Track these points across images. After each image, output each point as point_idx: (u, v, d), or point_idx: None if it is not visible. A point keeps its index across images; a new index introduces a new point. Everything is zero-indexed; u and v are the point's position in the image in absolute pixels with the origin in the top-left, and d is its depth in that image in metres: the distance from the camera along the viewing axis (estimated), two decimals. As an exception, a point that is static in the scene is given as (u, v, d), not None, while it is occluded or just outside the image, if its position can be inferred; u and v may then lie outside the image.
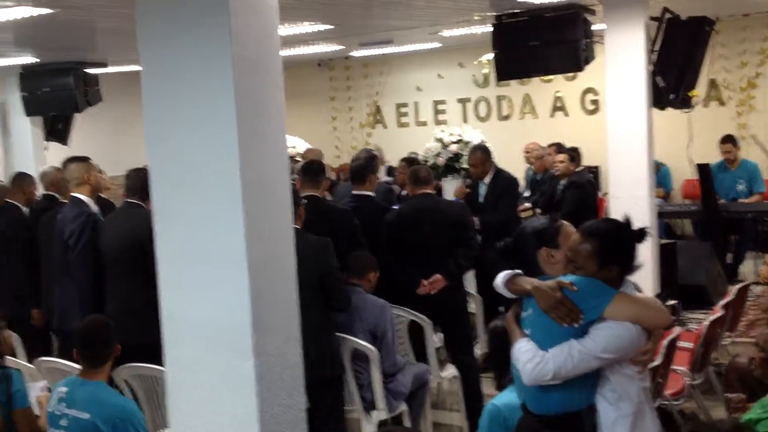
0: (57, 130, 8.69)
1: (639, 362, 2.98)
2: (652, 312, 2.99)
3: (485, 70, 11.40)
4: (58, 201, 6.22)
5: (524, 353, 2.96)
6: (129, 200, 5.12)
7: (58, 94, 8.03)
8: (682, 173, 10.11)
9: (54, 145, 8.76)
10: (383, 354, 4.84)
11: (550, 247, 3.15)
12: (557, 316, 2.92)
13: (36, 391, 4.01)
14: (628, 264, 3.02)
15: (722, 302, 5.46)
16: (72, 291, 5.16)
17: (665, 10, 6.52)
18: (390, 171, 9.68)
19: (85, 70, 8.07)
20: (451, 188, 8.04)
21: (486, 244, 5.67)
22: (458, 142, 8.78)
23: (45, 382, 4.19)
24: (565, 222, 3.23)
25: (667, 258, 6.97)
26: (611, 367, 2.95)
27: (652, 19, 6.56)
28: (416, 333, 5.38)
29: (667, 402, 4.64)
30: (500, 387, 3.61)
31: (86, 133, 9.80)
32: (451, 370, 5.58)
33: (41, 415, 3.84)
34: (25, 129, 8.69)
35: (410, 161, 7.95)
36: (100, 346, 3.71)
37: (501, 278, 3.15)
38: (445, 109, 12.48)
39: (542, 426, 3.02)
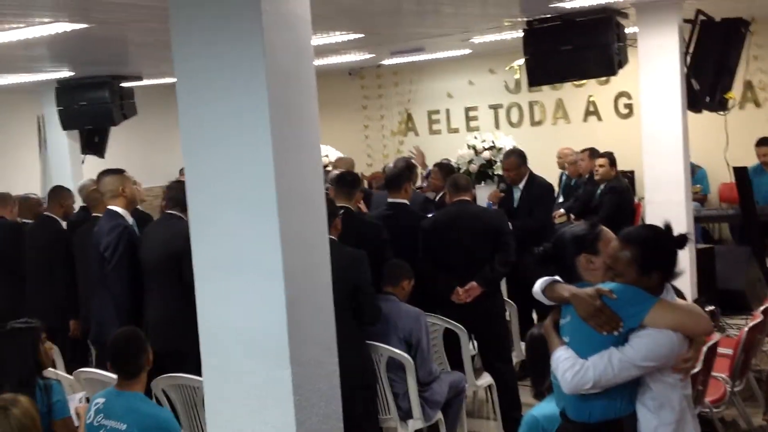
0: (93, 143, 8.80)
1: (681, 370, 2.94)
2: (693, 319, 2.95)
3: (517, 76, 11.35)
4: (90, 214, 6.29)
5: (563, 362, 2.94)
6: (169, 212, 5.18)
7: (94, 108, 8.12)
8: (719, 176, 9.97)
9: (90, 158, 8.88)
10: (418, 362, 4.83)
11: (589, 253, 3.11)
12: (596, 324, 2.89)
13: (74, 402, 4.05)
14: (669, 271, 2.98)
15: (762, 307, 5.37)
16: (109, 303, 5.21)
17: (699, 12, 6.45)
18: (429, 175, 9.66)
19: (120, 83, 8.16)
20: (484, 195, 8.01)
21: (520, 250, 5.63)
22: (491, 148, 8.76)
23: (83, 393, 4.24)
24: (605, 228, 3.19)
25: (705, 263, 6.88)
26: (652, 375, 2.92)
27: (686, 21, 6.49)
28: (451, 341, 5.36)
29: (707, 409, 4.57)
30: (537, 395, 3.58)
31: (121, 146, 9.93)
32: (486, 379, 5.55)
33: (80, 426, 3.88)
34: (62, 142, 8.82)
35: (443, 167, 7.94)
36: (131, 358, 3.74)
37: (539, 285, 3.13)
38: (476, 116, 12.45)
39: None
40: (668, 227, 2.99)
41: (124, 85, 8.24)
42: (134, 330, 3.94)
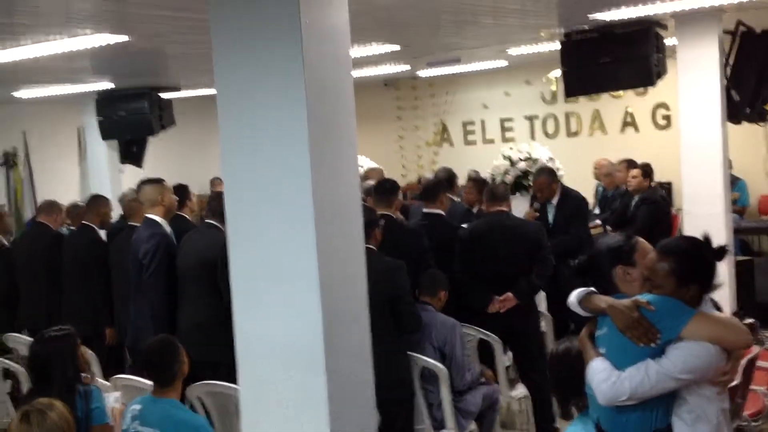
0: (132, 153, 8.90)
1: (718, 383, 2.91)
2: (731, 332, 2.91)
3: (553, 87, 11.31)
4: (127, 223, 6.36)
5: (600, 373, 2.91)
6: (208, 221, 5.23)
7: (133, 118, 8.22)
8: (759, 188, 9.84)
9: (129, 168, 8.99)
10: (453, 372, 4.82)
11: (626, 264, 3.09)
12: (634, 336, 2.86)
13: (110, 402, 4.10)
14: (708, 283, 2.95)
15: (803, 321, 5.28)
16: (145, 310, 5.27)
17: (739, 23, 6.39)
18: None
19: (158, 94, 8.26)
20: (519, 206, 7.96)
21: (558, 262, 5.60)
22: (527, 159, 8.71)
23: (119, 394, 4.29)
24: (641, 239, 3.17)
25: (744, 275, 6.78)
26: (689, 388, 2.89)
27: (726, 32, 6.42)
28: (486, 352, 5.34)
29: (746, 423, 4.50)
30: (565, 415, 3.55)
31: (159, 156, 10.04)
32: (521, 390, 5.51)
33: (115, 426, 3.93)
34: (101, 152, 8.94)
35: (477, 180, 7.92)
36: (166, 366, 3.78)
37: (575, 296, 3.11)
38: (512, 127, 12.41)
39: None
40: (707, 239, 2.96)
41: (163, 95, 8.34)
42: (169, 338, 3.98)
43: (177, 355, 3.82)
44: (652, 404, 2.88)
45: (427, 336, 4.80)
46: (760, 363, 4.69)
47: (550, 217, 6.70)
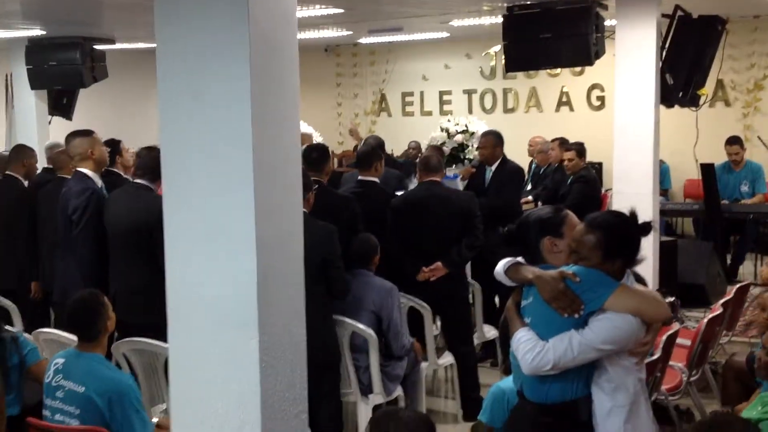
0: (61, 105, 8.66)
1: (637, 354, 3.01)
2: (652, 305, 3.01)
3: (492, 62, 11.39)
4: (56, 175, 6.19)
5: (524, 342, 2.98)
6: (138, 181, 5.07)
7: (64, 69, 7.97)
8: (686, 172, 10.12)
9: (57, 120, 8.74)
10: (391, 337, 4.85)
11: (554, 236, 3.15)
12: (559, 307, 2.93)
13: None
14: (632, 257, 3.04)
15: (721, 301, 5.47)
16: (74, 266, 5.15)
17: (677, 7, 6.50)
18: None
19: (92, 45, 8.03)
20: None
21: (487, 231, 5.67)
22: (464, 132, 8.78)
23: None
24: (570, 212, 3.23)
25: (667, 255, 6.97)
26: (609, 358, 2.98)
27: (664, 16, 6.53)
28: (415, 320, 5.39)
29: (663, 397, 4.66)
30: (507, 370, 3.64)
31: (90, 109, 9.78)
32: (448, 358, 5.59)
33: None
34: (30, 102, 8.65)
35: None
36: (90, 321, 3.70)
37: (502, 266, 3.16)
38: (450, 100, 12.47)
39: (538, 413, 3.05)
40: (633, 214, 3.04)
41: (97, 47, 8.10)
42: (94, 293, 3.88)
43: (102, 310, 3.73)
44: (573, 374, 2.97)
45: (363, 300, 4.82)
46: (679, 340, 4.84)
47: (487, 179, 6.79)
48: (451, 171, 8.20)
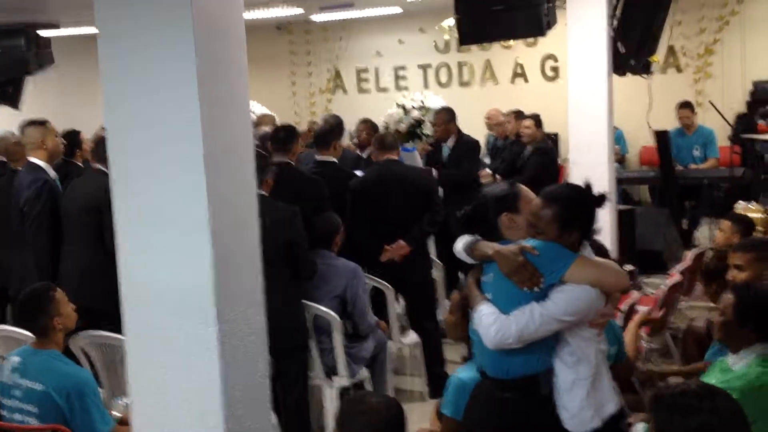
0: (7, 94, 8.42)
1: (597, 324, 3.02)
2: (610, 275, 3.03)
3: (446, 36, 11.34)
4: (9, 167, 6.05)
5: (486, 317, 2.98)
6: (96, 166, 4.98)
7: (7, 56, 7.78)
8: (641, 139, 10.21)
9: (4, 109, 8.53)
10: (357, 317, 4.83)
11: (511, 212, 3.15)
12: (519, 281, 2.94)
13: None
14: (588, 228, 3.06)
15: (679, 267, 5.53)
16: (29, 259, 5.06)
17: (627, -25, 6.50)
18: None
19: (36, 31, 7.83)
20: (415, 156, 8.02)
21: (447, 208, 5.67)
22: (420, 108, 8.75)
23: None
24: (523, 187, 3.24)
25: (625, 224, 7.05)
26: (570, 330, 2.99)
27: (614, -17, 6.54)
28: (378, 299, 5.38)
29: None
30: (466, 358, 3.64)
31: (38, 97, 9.55)
32: (412, 336, 5.60)
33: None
34: (-26, 92, 8.42)
35: (371, 122, 7.91)
36: (37, 317, 3.62)
37: (461, 244, 3.16)
38: (405, 75, 12.42)
39: (499, 389, 3.05)
40: (588, 186, 3.05)
41: (41, 33, 7.90)
42: (43, 287, 3.78)
43: (49, 305, 3.63)
44: (534, 348, 2.97)
45: (327, 281, 4.79)
46: (639, 308, 4.89)
47: (445, 156, 6.79)
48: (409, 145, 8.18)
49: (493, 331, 2.94)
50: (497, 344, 2.95)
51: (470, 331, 3.15)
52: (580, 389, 2.98)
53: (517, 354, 2.97)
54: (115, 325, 2.96)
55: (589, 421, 2.99)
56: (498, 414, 3.06)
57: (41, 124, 5.24)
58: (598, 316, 3.02)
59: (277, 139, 5.26)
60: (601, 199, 3.05)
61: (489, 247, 3.06)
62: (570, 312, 2.92)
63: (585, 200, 3.04)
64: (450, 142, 6.81)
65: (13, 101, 8.43)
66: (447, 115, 6.83)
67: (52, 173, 5.17)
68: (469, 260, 3.15)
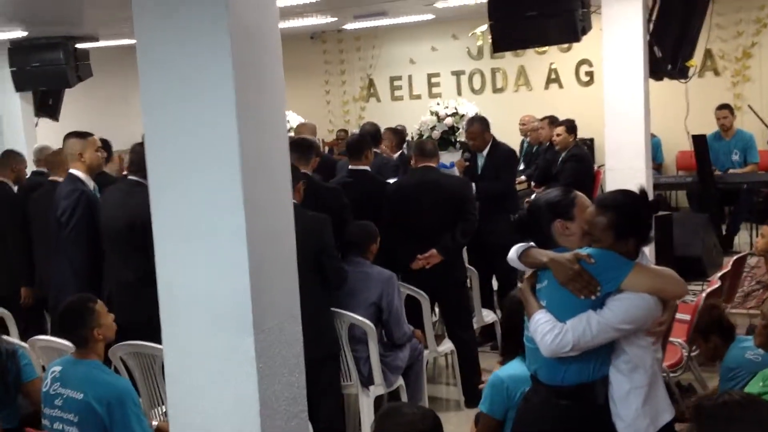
0: (47, 106, 8.60)
1: (654, 333, 2.98)
2: (669, 283, 2.99)
3: (479, 42, 11.31)
4: (48, 178, 6.14)
5: (543, 324, 2.94)
6: (131, 177, 5.00)
7: (48, 69, 7.94)
8: (678, 144, 10.08)
9: (44, 121, 8.68)
10: (392, 325, 4.81)
11: (564, 219, 3.11)
12: (575, 289, 2.90)
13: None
14: (645, 235, 3.03)
15: (718, 274, 5.45)
16: (66, 269, 5.09)
17: (663, -21, 6.45)
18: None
19: (75, 44, 7.96)
20: (447, 161, 7.99)
21: (483, 216, 5.63)
22: (453, 115, 8.74)
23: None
24: (579, 194, 3.19)
25: (663, 230, 6.95)
26: (627, 338, 2.95)
27: (650, -12, 6.49)
28: (413, 308, 5.36)
29: (665, 374, 4.63)
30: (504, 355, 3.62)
31: (77, 109, 9.71)
32: (447, 345, 5.56)
33: None
34: (15, 105, 8.57)
35: (395, 131, 7.94)
36: (77, 327, 3.64)
37: (515, 251, 3.13)
38: (439, 82, 12.40)
39: (554, 397, 3.01)
40: (643, 192, 3.02)
41: (80, 46, 8.04)
42: (83, 298, 3.80)
43: (89, 316, 3.65)
44: (590, 356, 2.94)
45: (362, 289, 4.78)
46: (678, 315, 4.81)
47: (480, 166, 6.73)
48: (446, 159, 8.16)
49: (549, 339, 2.90)
50: (554, 352, 2.91)
51: (524, 337, 3.12)
52: (635, 398, 2.94)
53: (572, 362, 2.94)
54: (156, 336, 2.97)
55: (645, 430, 2.95)
56: (552, 420, 3.02)
57: (83, 136, 5.27)
58: (656, 324, 2.97)
59: (299, 148, 5.26)
60: (656, 205, 3.04)
61: (543, 255, 3.03)
62: (628, 320, 2.89)
63: (640, 207, 3.02)
64: (485, 152, 6.74)
65: (52, 113, 8.59)
66: (481, 126, 6.75)
67: (91, 184, 5.21)
68: (522, 268, 3.13)
